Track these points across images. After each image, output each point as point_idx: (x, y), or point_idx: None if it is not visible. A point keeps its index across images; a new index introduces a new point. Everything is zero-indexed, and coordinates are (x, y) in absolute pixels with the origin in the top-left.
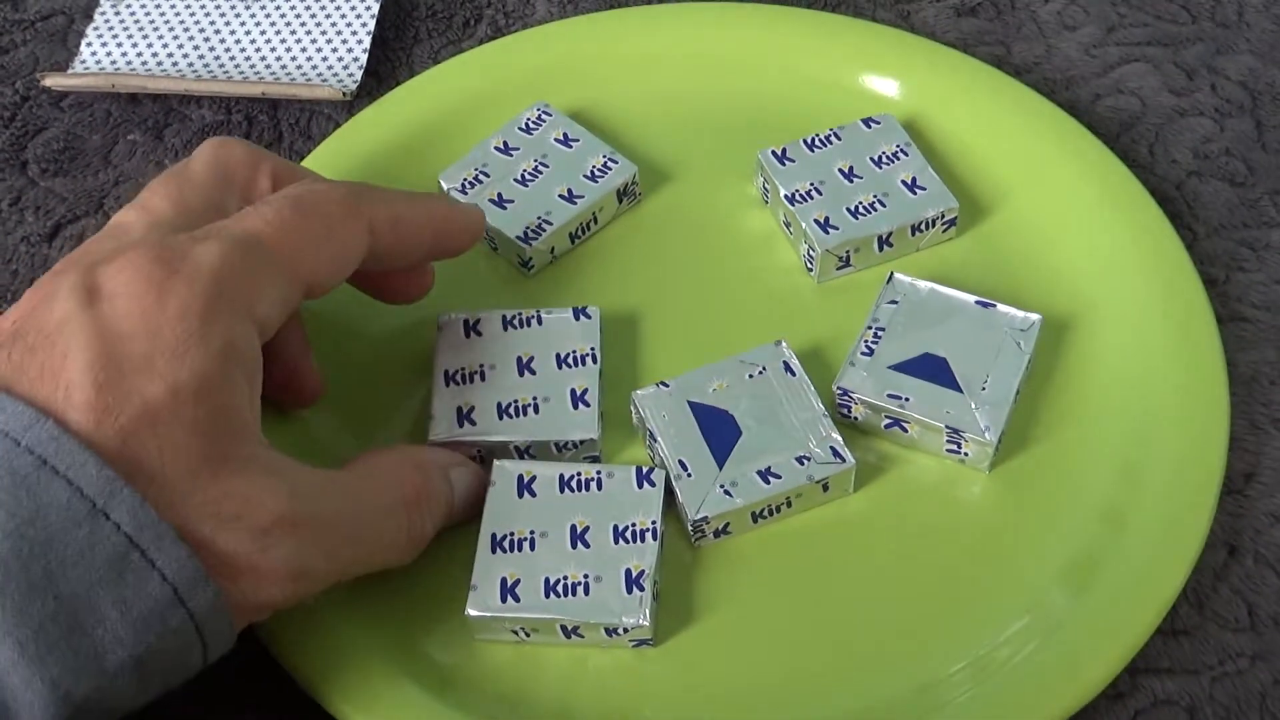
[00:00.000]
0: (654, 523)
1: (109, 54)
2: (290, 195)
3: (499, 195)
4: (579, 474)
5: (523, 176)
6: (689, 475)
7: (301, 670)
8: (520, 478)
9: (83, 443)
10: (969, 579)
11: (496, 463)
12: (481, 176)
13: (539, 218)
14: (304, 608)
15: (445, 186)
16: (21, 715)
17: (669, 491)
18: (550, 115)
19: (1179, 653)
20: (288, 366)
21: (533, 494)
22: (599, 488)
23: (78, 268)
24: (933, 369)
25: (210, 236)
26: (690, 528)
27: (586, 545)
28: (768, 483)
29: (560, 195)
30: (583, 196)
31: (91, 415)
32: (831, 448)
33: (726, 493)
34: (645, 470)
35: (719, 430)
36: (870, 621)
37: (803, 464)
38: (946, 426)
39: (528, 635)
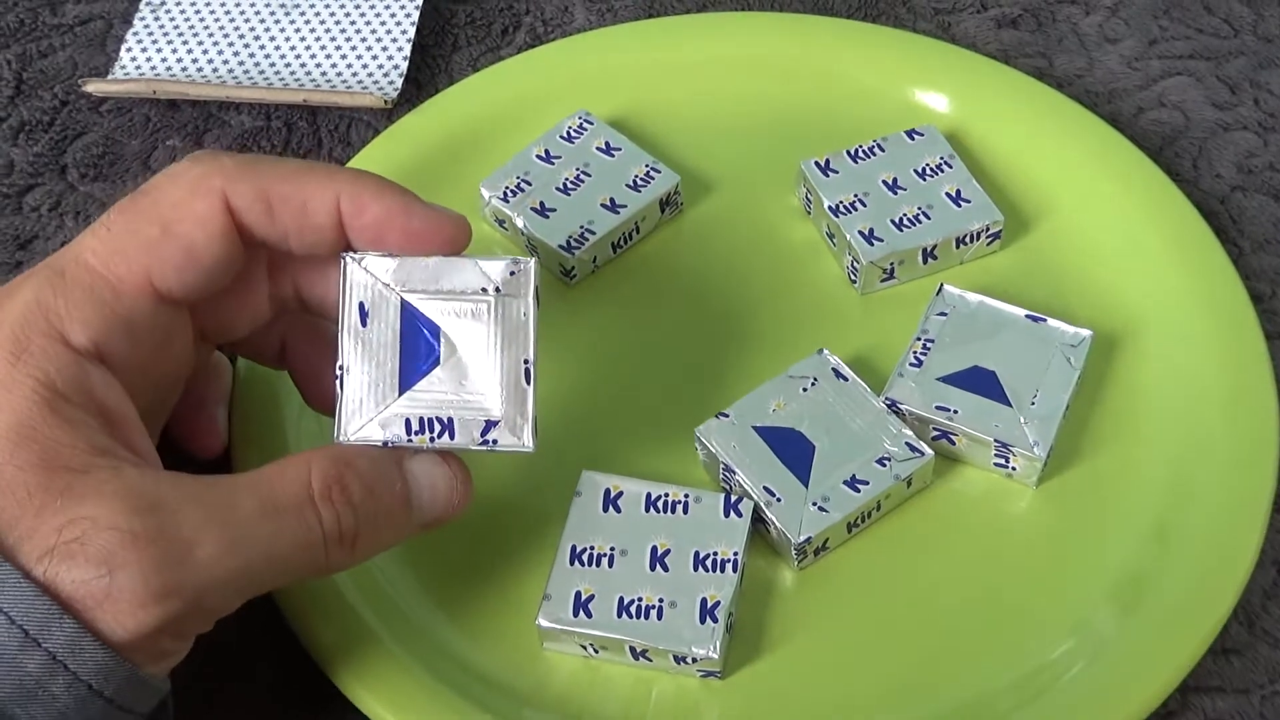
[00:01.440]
0: (736, 554)
1: (149, 60)
2: (131, 195)
3: (541, 204)
4: (666, 495)
5: (564, 185)
6: (779, 500)
7: (342, 676)
8: (607, 492)
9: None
10: (1015, 596)
11: (585, 473)
12: (523, 185)
13: (581, 227)
14: (346, 605)
15: (486, 195)
16: None
17: (756, 520)
18: (592, 124)
19: (1229, 672)
20: (185, 414)
21: (618, 510)
22: (685, 511)
23: None
24: (982, 382)
25: (31, 275)
26: (795, 552)
27: (665, 569)
28: (857, 490)
29: (603, 204)
30: (625, 206)
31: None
32: (907, 443)
33: (821, 509)
34: (734, 499)
35: (793, 449)
36: (917, 639)
37: (885, 465)
38: (995, 440)
39: (596, 652)
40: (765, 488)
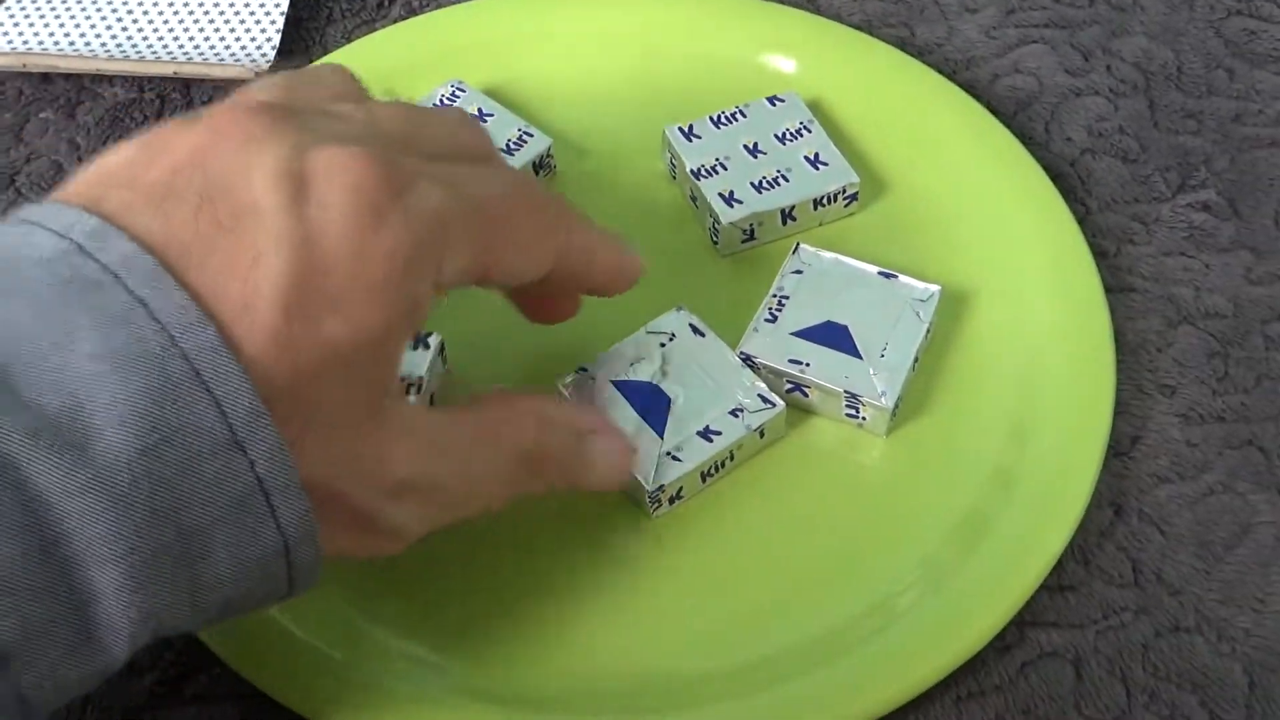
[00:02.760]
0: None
1: (20, 33)
2: (518, 179)
3: None
4: None
5: None
6: (634, 451)
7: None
8: None
9: (243, 365)
10: (864, 537)
11: None
12: None
13: None
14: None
15: None
16: (106, 639)
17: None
18: (465, 91)
19: (1065, 607)
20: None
21: None
22: None
23: (284, 136)
24: (834, 336)
25: (432, 179)
26: (649, 499)
27: None
28: (710, 441)
29: None
30: None
31: (272, 345)
32: (759, 395)
33: (675, 458)
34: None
35: (650, 402)
36: (770, 579)
37: (738, 416)
38: (845, 391)
39: None
40: None
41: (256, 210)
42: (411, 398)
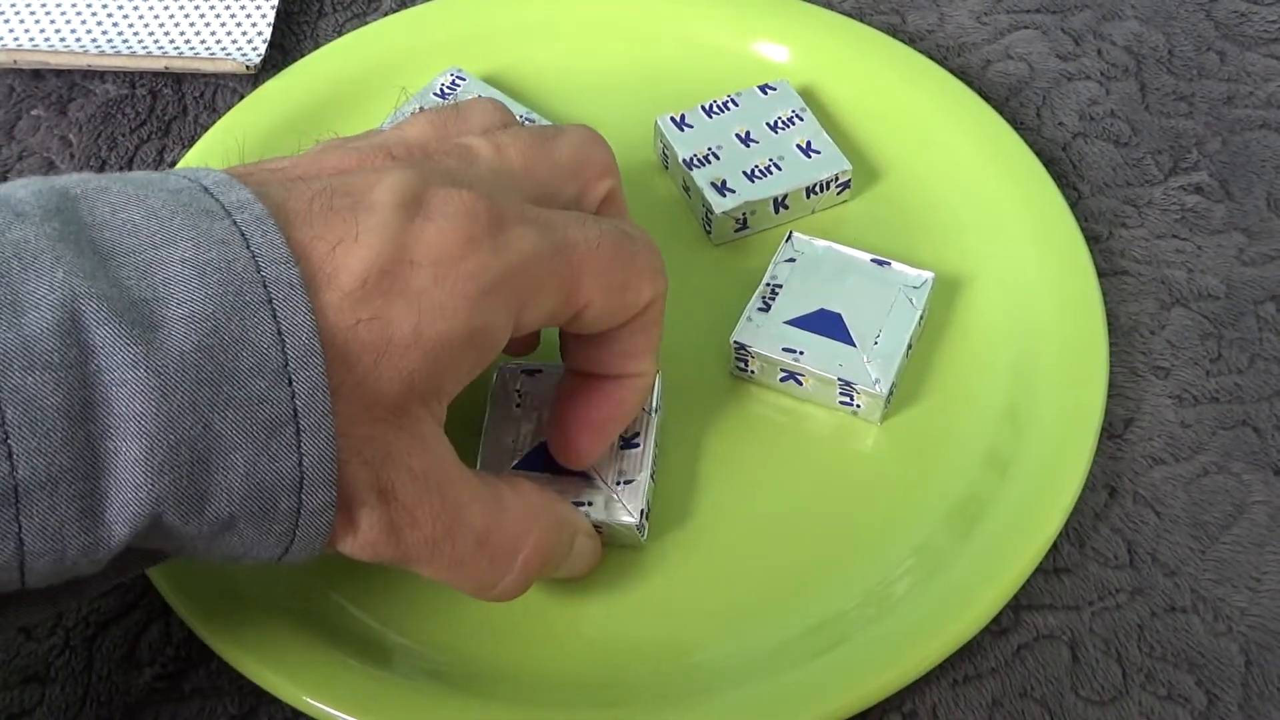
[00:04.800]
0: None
1: (11, 30)
2: (620, 231)
3: None
4: None
5: None
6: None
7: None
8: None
9: (312, 312)
10: (861, 523)
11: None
12: None
13: None
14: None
15: None
16: (110, 514)
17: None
18: (464, 79)
19: (1061, 589)
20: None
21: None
22: None
23: (418, 169)
24: (828, 324)
25: (536, 223)
26: (638, 530)
27: None
28: (636, 446)
29: None
30: None
31: (344, 304)
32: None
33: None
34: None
35: None
36: (769, 565)
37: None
38: (839, 379)
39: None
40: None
41: (370, 205)
42: None
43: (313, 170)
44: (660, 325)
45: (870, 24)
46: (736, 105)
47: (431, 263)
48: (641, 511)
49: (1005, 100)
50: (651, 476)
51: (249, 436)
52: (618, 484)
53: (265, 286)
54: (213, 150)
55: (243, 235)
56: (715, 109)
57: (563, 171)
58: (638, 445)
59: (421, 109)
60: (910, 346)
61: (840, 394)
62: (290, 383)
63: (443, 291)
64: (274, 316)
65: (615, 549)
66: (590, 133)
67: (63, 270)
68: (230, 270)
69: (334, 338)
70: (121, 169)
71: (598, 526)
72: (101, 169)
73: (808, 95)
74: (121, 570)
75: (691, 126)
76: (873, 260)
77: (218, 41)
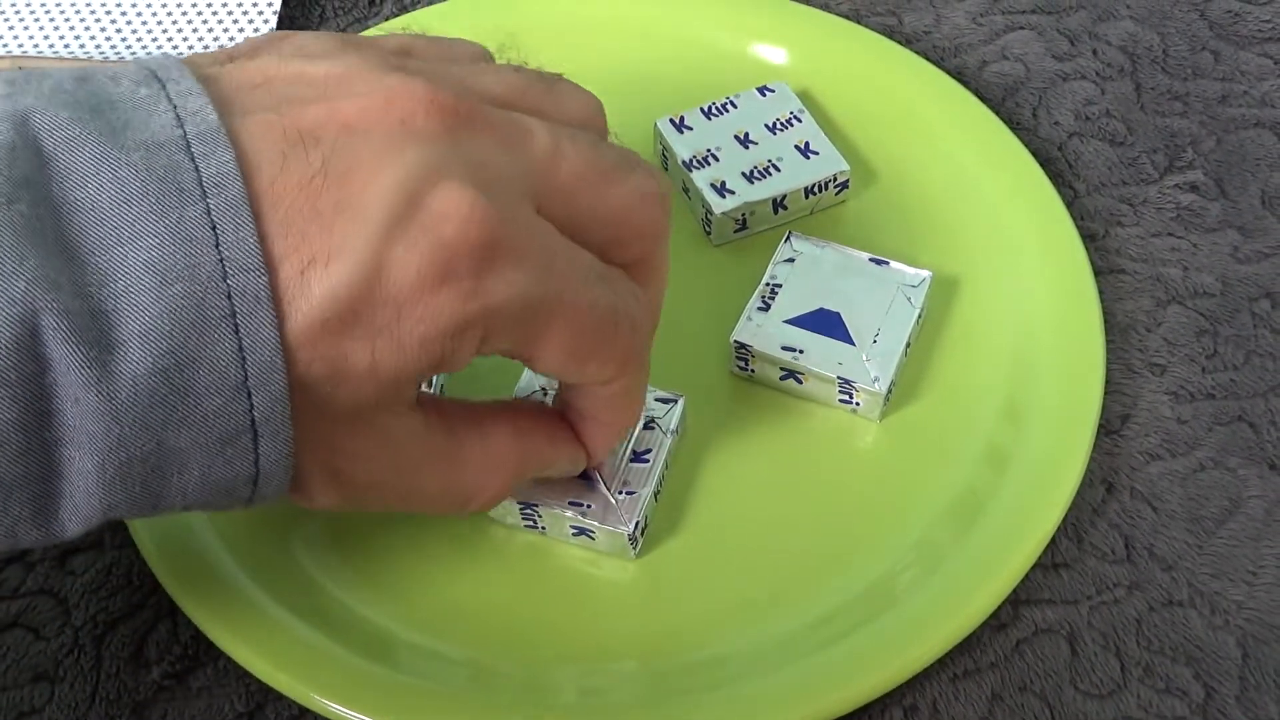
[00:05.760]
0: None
1: (15, 37)
2: (615, 307)
3: None
4: None
5: None
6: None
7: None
8: None
9: (276, 327)
10: (861, 520)
11: None
12: None
13: None
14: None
15: None
16: (64, 515)
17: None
18: None
19: (1059, 584)
20: None
21: None
22: None
23: (431, 149)
24: (827, 323)
25: (531, 265)
26: (629, 541)
27: None
28: (645, 461)
29: None
30: None
31: (302, 337)
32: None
33: (629, 492)
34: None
35: None
36: (770, 562)
37: (652, 428)
38: (839, 377)
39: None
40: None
41: (359, 212)
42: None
43: (322, 117)
44: (632, 402)
45: (867, 25)
46: (735, 107)
47: (399, 300)
48: (637, 524)
49: (1002, 100)
50: (655, 496)
51: (204, 449)
52: (619, 493)
53: (230, 298)
54: None
55: (214, 229)
56: (714, 111)
57: (604, 215)
58: (647, 461)
59: (516, 68)
60: (909, 345)
61: (840, 392)
62: (249, 396)
63: (404, 329)
64: (236, 331)
65: (612, 552)
66: (655, 186)
67: (24, 281)
68: (194, 278)
69: (292, 360)
70: None
71: (591, 531)
72: None
73: (806, 97)
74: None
75: (690, 128)
76: (871, 259)
77: (219, 46)
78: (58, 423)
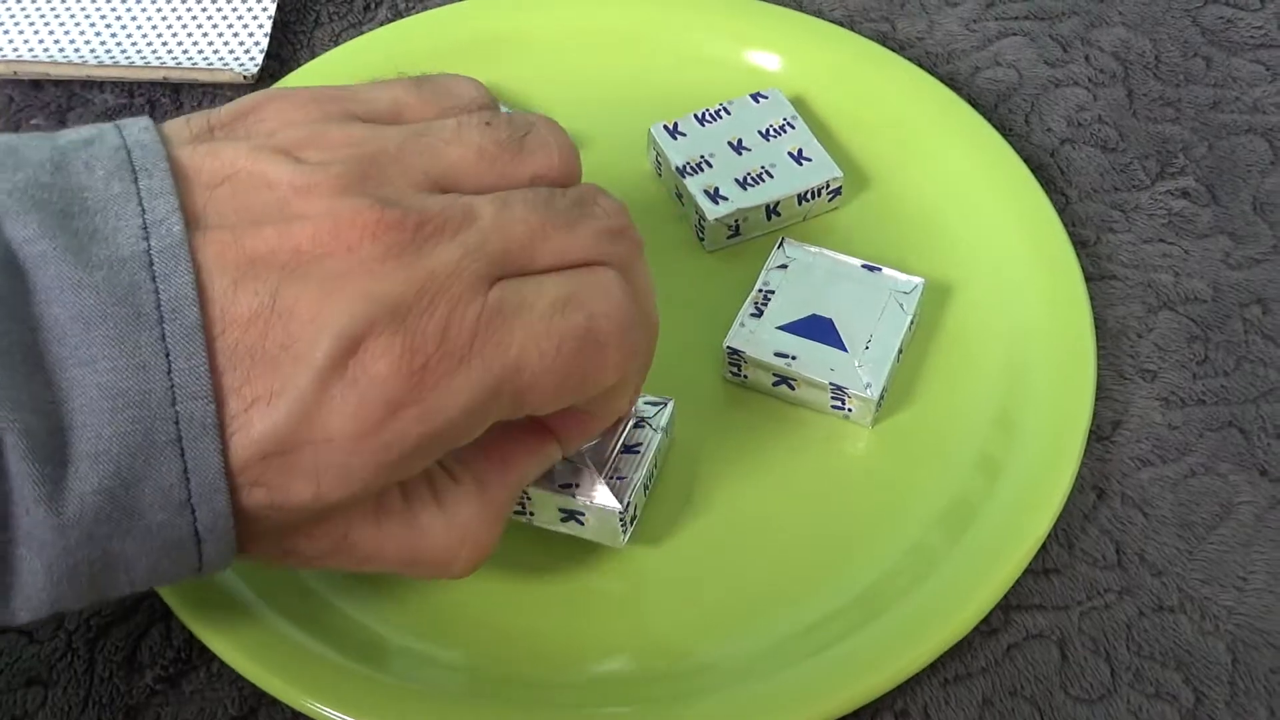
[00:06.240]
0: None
1: (10, 42)
2: (586, 328)
3: None
4: None
5: None
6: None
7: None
8: None
9: (221, 453)
10: (852, 526)
11: None
12: None
13: None
14: None
15: None
16: (15, 605)
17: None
18: None
19: (1050, 590)
20: None
21: None
22: None
23: (375, 282)
24: (819, 329)
25: (483, 351)
26: (620, 524)
27: None
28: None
29: None
30: None
31: (245, 466)
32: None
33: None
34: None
35: None
36: (761, 568)
37: (642, 426)
38: (831, 384)
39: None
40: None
41: (300, 355)
42: None
43: (276, 239)
44: (627, 390)
45: (860, 32)
46: (729, 113)
47: (343, 437)
48: (628, 504)
49: (994, 107)
50: (645, 488)
51: (149, 553)
52: (609, 477)
53: (177, 424)
54: None
55: (167, 357)
56: (708, 117)
57: (572, 258)
58: (638, 452)
59: (489, 122)
60: (901, 351)
61: (832, 398)
62: (193, 512)
63: (351, 462)
64: (181, 455)
65: (611, 550)
66: (612, 221)
67: None
68: (144, 405)
69: (234, 485)
70: None
71: (581, 513)
72: None
73: (799, 103)
74: None
75: (684, 134)
76: (864, 266)
77: (215, 52)
78: (13, 525)
